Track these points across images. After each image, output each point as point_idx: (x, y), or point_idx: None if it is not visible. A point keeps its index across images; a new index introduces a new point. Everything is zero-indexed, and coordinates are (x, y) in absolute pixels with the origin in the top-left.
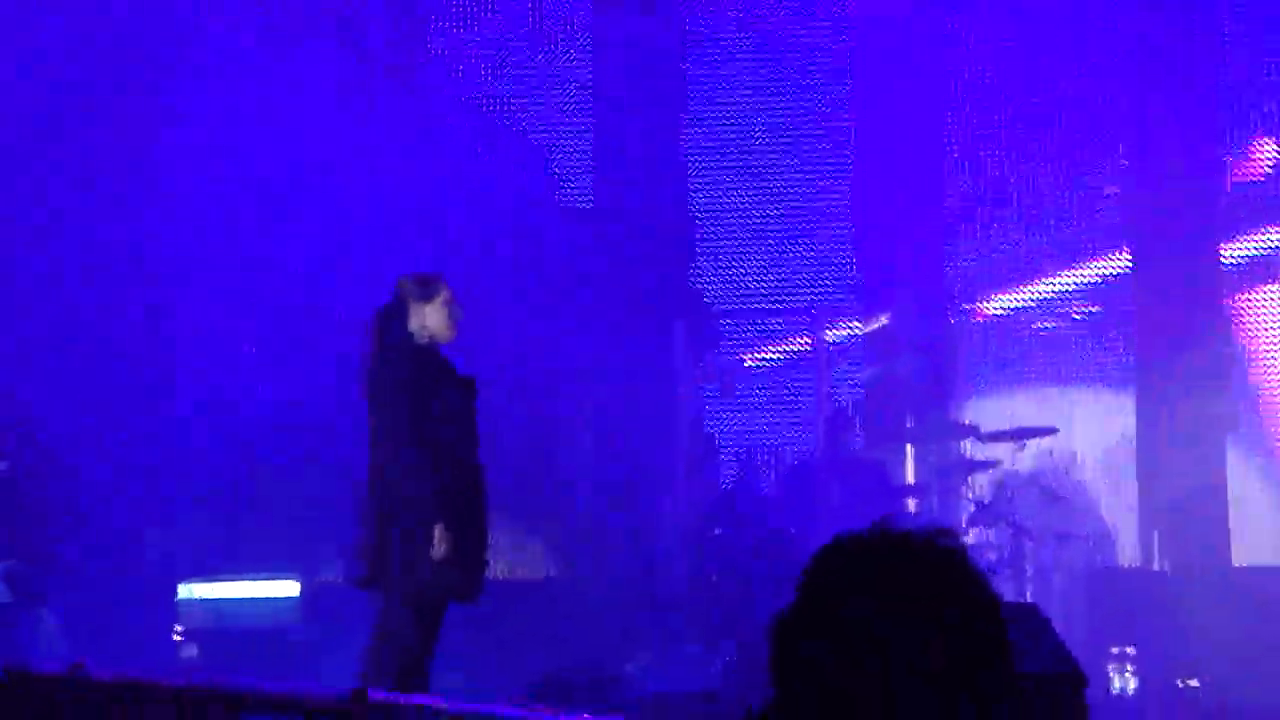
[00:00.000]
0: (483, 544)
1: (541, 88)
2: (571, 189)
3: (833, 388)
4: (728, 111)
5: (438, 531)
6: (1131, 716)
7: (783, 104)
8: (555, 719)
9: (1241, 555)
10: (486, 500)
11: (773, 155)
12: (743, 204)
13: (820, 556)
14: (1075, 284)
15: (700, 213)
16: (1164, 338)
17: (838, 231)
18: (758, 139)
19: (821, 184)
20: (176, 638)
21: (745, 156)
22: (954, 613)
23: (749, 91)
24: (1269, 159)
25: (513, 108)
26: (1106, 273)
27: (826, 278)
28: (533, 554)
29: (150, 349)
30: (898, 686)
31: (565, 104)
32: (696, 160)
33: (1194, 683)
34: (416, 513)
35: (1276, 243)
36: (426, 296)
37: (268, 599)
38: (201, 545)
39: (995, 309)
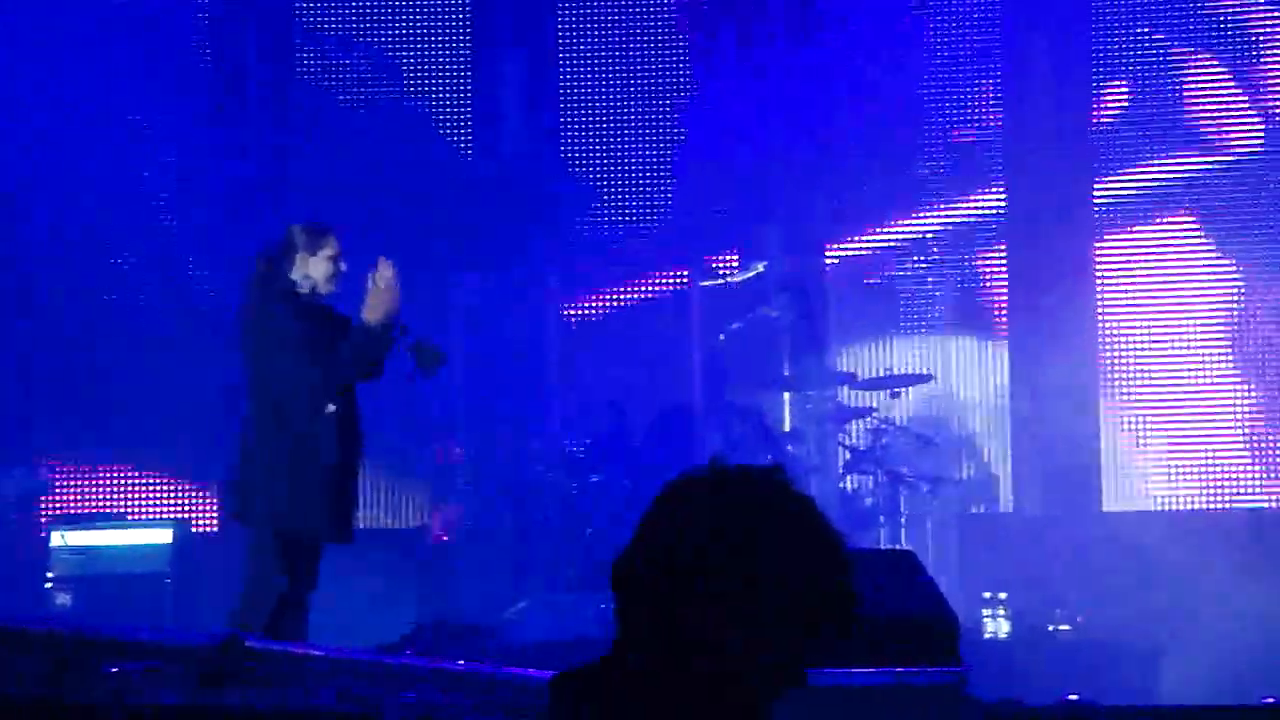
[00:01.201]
0: (350, 487)
1: (419, 34)
2: (451, 135)
3: (708, 334)
4: (598, 56)
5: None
6: (1004, 660)
7: (672, 48)
8: (427, 665)
9: (1111, 501)
10: (361, 446)
11: (648, 98)
12: (618, 150)
13: (658, 495)
14: (949, 226)
15: (575, 158)
16: (1034, 285)
17: (716, 176)
18: (633, 83)
19: (696, 126)
20: (48, 585)
21: (619, 101)
22: (787, 546)
23: (621, 35)
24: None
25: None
26: (981, 214)
27: (703, 223)
28: (409, 502)
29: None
30: (729, 617)
31: (442, 50)
32: (571, 104)
33: (1065, 626)
34: (275, 453)
35: (1139, 185)
36: (313, 248)
37: (140, 545)
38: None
39: (868, 252)
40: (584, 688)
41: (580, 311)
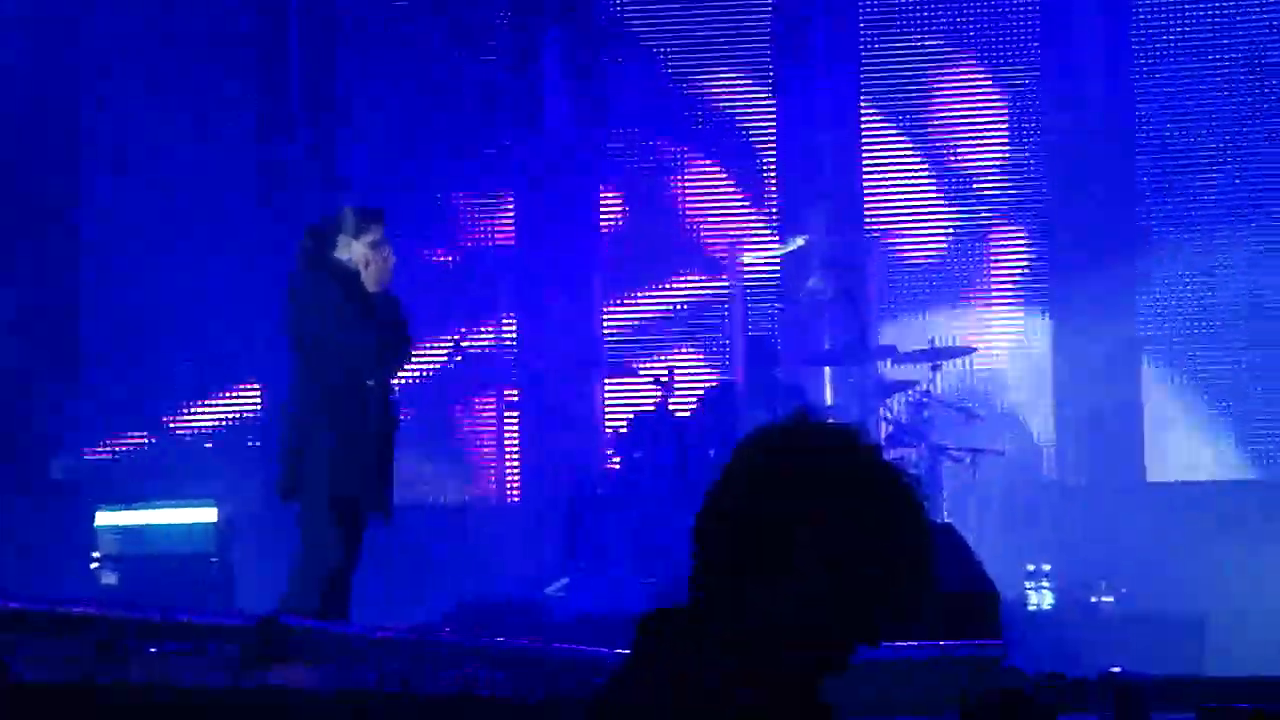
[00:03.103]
0: (391, 460)
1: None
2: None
3: (750, 310)
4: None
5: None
6: (1047, 632)
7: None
8: (468, 643)
9: (1155, 471)
10: (397, 421)
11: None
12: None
13: (743, 441)
14: (988, 205)
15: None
16: (1076, 255)
17: (757, 151)
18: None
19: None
20: (94, 565)
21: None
22: (876, 507)
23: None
24: None
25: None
26: (1020, 191)
27: (744, 199)
28: (454, 479)
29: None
30: (808, 572)
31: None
32: (618, 84)
33: (1108, 598)
34: (323, 425)
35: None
36: (358, 231)
37: (185, 525)
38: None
39: (907, 228)
40: (668, 631)
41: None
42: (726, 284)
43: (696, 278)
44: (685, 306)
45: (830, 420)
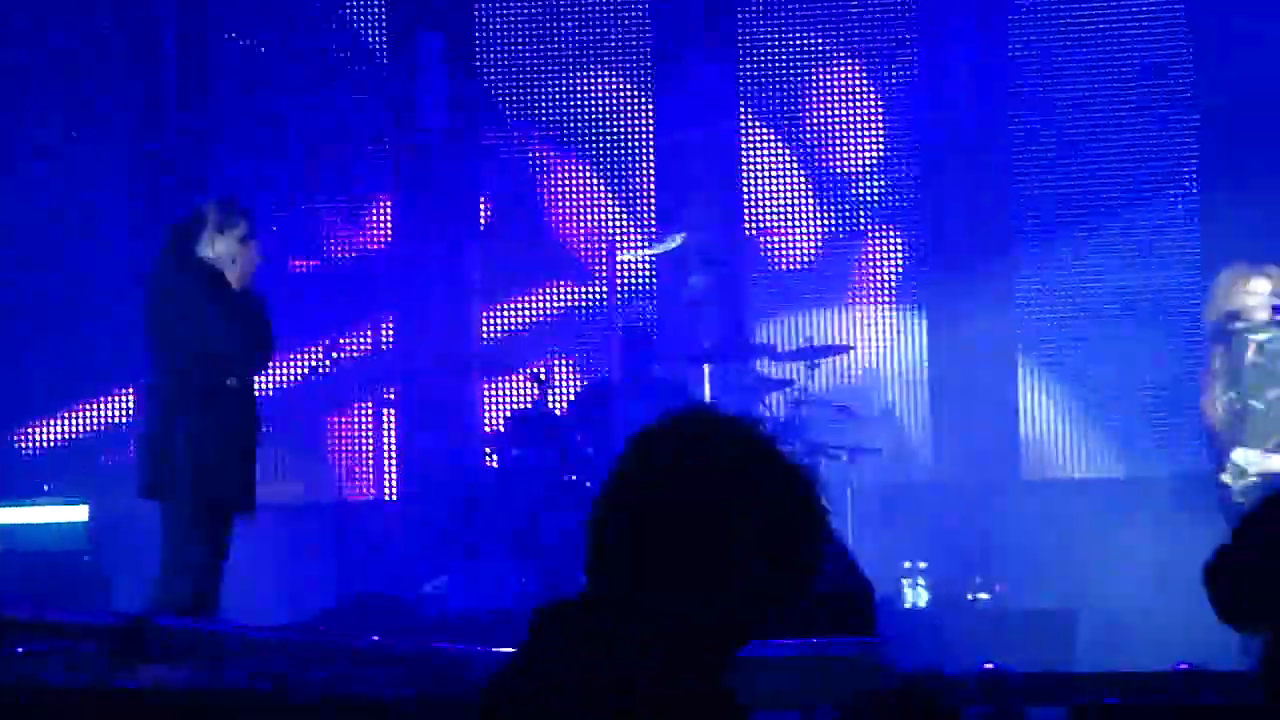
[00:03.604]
0: (254, 458)
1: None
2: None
3: (627, 308)
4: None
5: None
6: (923, 629)
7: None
8: (342, 641)
9: (1030, 469)
10: (258, 419)
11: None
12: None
13: (639, 433)
14: (865, 204)
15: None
16: (954, 255)
17: (635, 150)
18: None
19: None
20: None
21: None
22: (770, 496)
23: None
24: None
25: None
26: (897, 190)
27: (621, 198)
28: (331, 478)
29: None
30: (702, 561)
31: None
32: (493, 82)
33: (984, 595)
34: (184, 424)
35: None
36: (222, 225)
37: (57, 523)
38: None
39: (785, 226)
40: (569, 625)
41: (502, 290)
42: (603, 283)
43: (573, 275)
44: (562, 306)
45: (732, 414)
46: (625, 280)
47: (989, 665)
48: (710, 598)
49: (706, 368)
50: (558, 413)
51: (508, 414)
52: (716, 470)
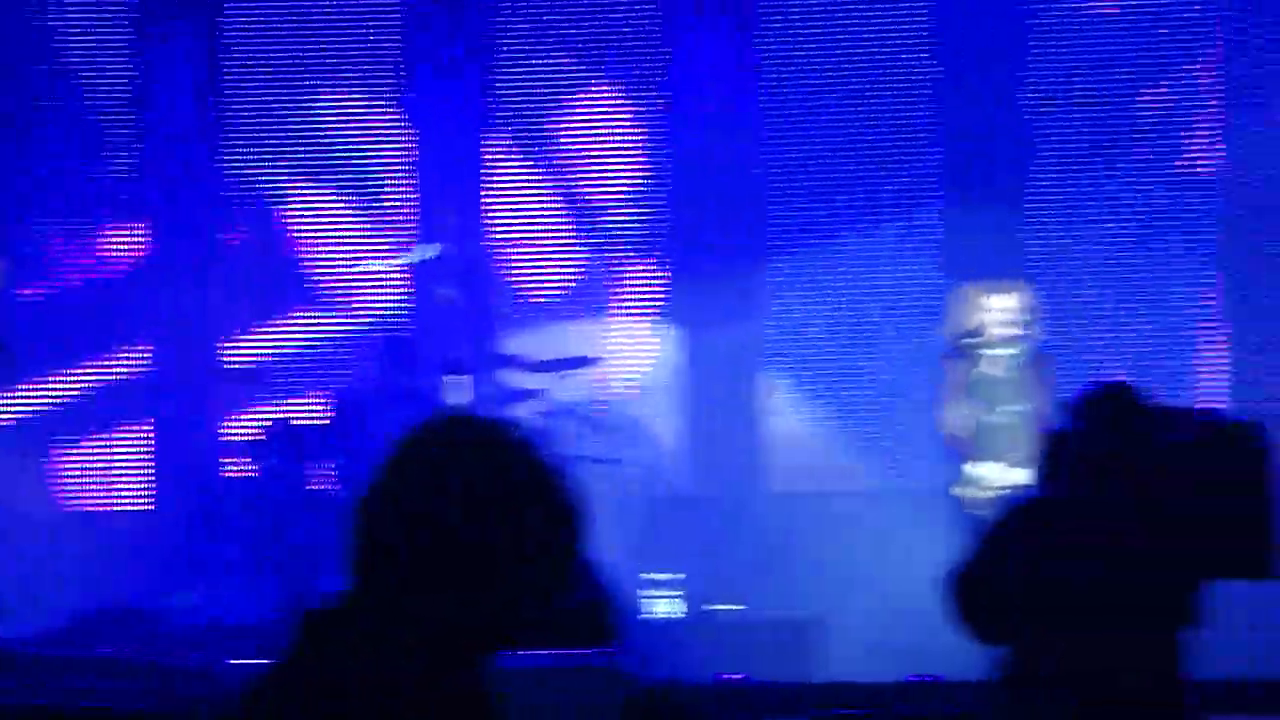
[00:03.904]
0: None
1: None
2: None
3: (379, 318)
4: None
5: None
6: (670, 640)
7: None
8: (86, 654)
9: (779, 480)
10: None
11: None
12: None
13: (403, 437)
14: (621, 214)
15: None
16: (708, 269)
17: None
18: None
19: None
20: None
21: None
22: (527, 498)
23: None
24: None
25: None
26: (652, 204)
27: (374, 209)
28: (81, 489)
29: None
30: (460, 562)
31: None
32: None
33: (731, 606)
34: None
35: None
36: None
37: None
38: None
39: (537, 236)
40: (327, 625)
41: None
42: (353, 295)
43: (322, 288)
44: (313, 318)
45: (491, 418)
46: (375, 291)
47: (733, 675)
48: (472, 599)
49: (456, 378)
50: (310, 424)
51: (261, 427)
52: (476, 473)
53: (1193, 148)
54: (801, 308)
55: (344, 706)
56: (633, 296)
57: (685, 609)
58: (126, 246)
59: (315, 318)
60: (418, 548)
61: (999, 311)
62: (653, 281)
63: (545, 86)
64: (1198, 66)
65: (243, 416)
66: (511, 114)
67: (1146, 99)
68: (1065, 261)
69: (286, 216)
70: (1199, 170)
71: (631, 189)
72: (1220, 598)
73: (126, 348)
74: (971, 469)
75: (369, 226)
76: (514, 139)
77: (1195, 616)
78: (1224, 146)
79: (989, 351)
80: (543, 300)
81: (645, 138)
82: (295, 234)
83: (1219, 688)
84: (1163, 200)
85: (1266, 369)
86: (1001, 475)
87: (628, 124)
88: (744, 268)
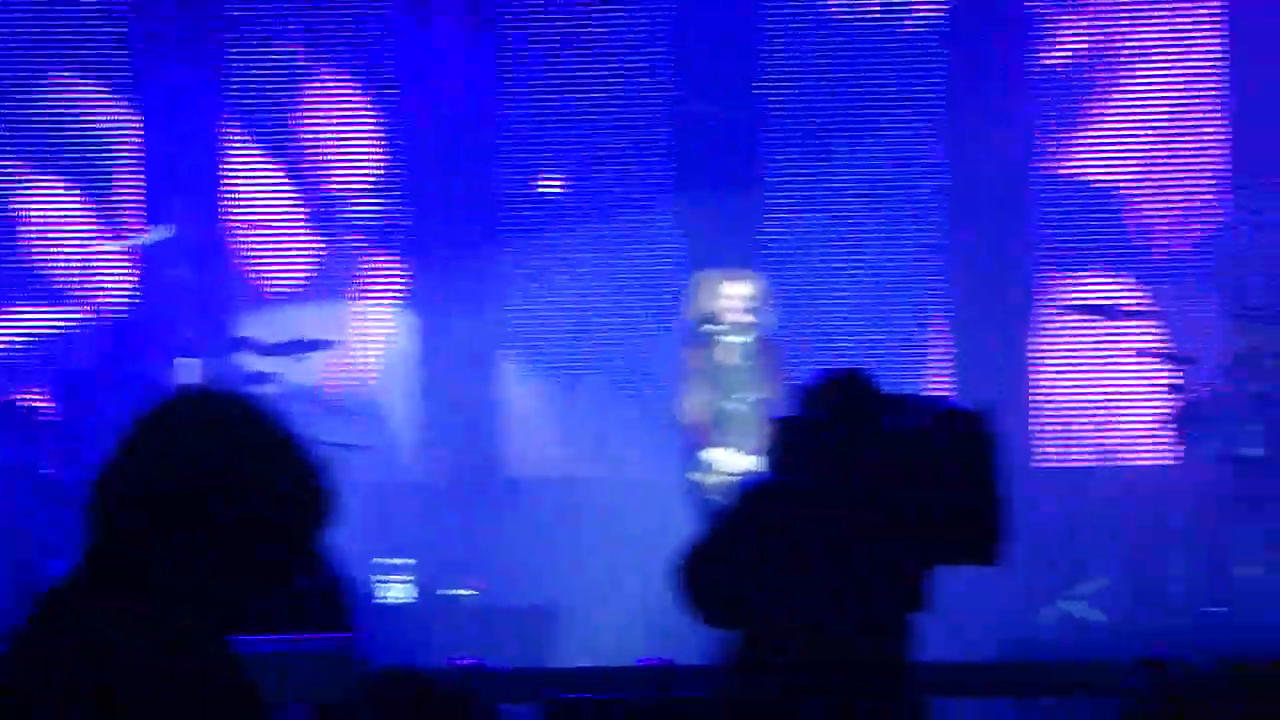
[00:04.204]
0: None
1: None
2: None
3: (105, 300)
4: None
5: None
6: (405, 625)
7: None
8: None
9: (515, 467)
10: None
11: None
12: None
13: (141, 414)
14: (360, 200)
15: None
16: (441, 255)
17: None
18: None
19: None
20: None
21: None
22: (262, 470)
23: None
24: None
25: None
26: (391, 191)
27: (103, 192)
28: None
29: None
30: (195, 539)
31: None
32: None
33: (467, 591)
34: None
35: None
36: None
37: None
38: None
39: (274, 215)
40: (69, 601)
41: None
42: (83, 276)
43: (51, 272)
44: (42, 306)
45: (233, 394)
46: (105, 274)
47: (466, 660)
48: (208, 578)
49: (187, 361)
50: (37, 408)
51: None
52: (217, 448)
53: (922, 135)
54: (539, 295)
55: (80, 685)
56: (371, 282)
57: (417, 594)
58: None
59: (42, 303)
60: (157, 525)
61: (733, 299)
62: (391, 268)
63: (280, 71)
64: (928, 54)
65: None
66: (248, 97)
67: (876, 86)
68: (798, 249)
69: (12, 202)
70: (929, 157)
71: (369, 176)
72: (944, 582)
73: None
74: (707, 455)
75: (96, 209)
76: (251, 124)
77: (922, 601)
78: (950, 135)
79: (724, 339)
80: (280, 285)
81: (383, 126)
82: (22, 219)
83: (942, 670)
84: (892, 190)
85: (991, 356)
86: (736, 461)
87: (363, 112)
88: (482, 255)
